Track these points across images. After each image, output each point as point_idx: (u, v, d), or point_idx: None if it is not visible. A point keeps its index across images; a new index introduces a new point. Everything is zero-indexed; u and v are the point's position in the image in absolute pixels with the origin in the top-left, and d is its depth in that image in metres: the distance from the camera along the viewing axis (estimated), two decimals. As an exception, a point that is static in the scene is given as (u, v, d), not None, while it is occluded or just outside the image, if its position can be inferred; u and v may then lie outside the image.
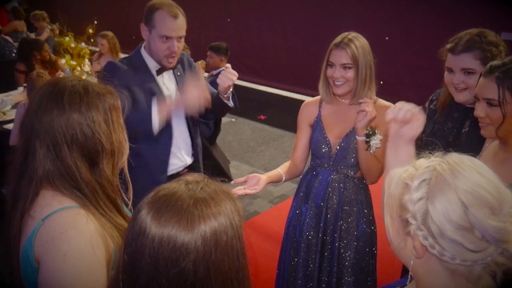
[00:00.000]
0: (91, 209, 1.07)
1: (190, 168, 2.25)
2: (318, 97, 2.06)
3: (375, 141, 1.82)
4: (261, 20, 6.68)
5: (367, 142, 1.83)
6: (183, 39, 2.06)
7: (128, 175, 1.20)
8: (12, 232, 1.06)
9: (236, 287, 0.80)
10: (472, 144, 1.68)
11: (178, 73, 2.17)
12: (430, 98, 1.94)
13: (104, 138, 1.07)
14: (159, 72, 2.09)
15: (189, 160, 2.25)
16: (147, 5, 2.04)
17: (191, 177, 0.86)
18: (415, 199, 0.82)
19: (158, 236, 0.76)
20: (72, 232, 1.01)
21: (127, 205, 1.19)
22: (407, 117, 1.21)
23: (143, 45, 2.12)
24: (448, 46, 1.69)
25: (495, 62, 1.37)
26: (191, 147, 2.25)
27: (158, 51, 2.02)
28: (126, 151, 1.17)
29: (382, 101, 1.98)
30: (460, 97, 1.69)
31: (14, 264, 1.06)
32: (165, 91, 2.09)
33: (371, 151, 1.84)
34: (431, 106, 1.89)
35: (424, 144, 1.84)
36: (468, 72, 1.64)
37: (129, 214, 1.20)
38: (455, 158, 0.84)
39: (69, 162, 1.04)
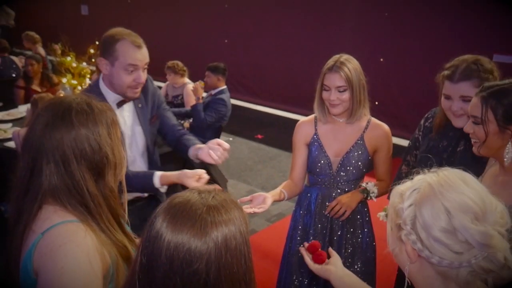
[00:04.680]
0: (92, 224, 1.10)
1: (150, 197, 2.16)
2: (312, 116, 2.10)
3: (373, 194, 2.00)
4: (257, 41, 6.80)
5: (368, 197, 2.01)
6: (146, 70, 1.94)
7: (124, 183, 1.25)
8: (14, 245, 1.09)
9: (243, 287, 0.85)
10: (466, 162, 1.70)
11: (140, 105, 2.04)
12: (426, 116, 1.97)
13: (109, 150, 1.13)
14: (120, 104, 1.98)
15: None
16: (103, 37, 1.91)
17: (202, 187, 0.92)
18: (406, 206, 0.92)
19: (174, 241, 0.81)
20: (70, 245, 1.03)
21: (123, 217, 1.22)
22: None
23: (100, 79, 1.98)
24: (446, 73, 1.70)
25: (488, 83, 1.43)
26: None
27: (122, 83, 1.89)
28: (125, 163, 1.22)
29: (375, 120, 2.06)
30: (459, 123, 1.71)
31: (15, 277, 1.08)
32: (122, 126, 1.93)
33: (374, 200, 2.03)
34: (427, 123, 1.93)
35: (419, 160, 1.88)
36: (466, 99, 1.65)
37: (128, 229, 1.23)
38: (446, 171, 0.93)
39: (77, 175, 1.08)
